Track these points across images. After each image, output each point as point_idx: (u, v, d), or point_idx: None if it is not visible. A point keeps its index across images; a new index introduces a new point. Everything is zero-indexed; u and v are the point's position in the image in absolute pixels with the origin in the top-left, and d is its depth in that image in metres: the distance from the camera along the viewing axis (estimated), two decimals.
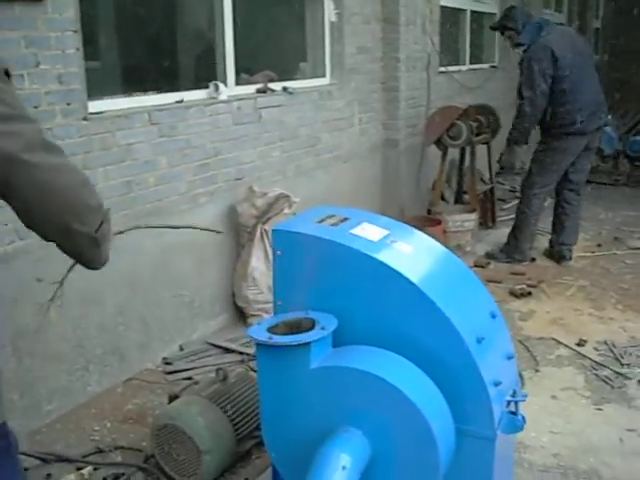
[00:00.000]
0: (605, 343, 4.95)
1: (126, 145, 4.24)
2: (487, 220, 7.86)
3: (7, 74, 1.57)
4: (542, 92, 6.21)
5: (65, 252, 1.73)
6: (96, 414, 4.03)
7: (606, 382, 4.41)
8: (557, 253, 6.75)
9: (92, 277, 4.02)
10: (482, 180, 8.39)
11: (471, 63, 9.71)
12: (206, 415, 3.29)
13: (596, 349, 4.88)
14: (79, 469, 3.44)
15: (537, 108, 6.27)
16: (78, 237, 1.66)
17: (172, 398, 3.62)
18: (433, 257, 2.79)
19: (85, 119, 3.96)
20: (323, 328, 2.43)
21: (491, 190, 7.88)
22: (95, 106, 4.11)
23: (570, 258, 6.70)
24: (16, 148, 1.52)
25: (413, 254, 2.66)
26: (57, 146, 1.66)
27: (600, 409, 4.12)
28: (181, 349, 4.78)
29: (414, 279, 2.45)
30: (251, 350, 4.62)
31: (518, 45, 6.50)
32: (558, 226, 6.76)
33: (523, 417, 2.61)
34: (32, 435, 3.76)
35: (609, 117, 11.15)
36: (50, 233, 1.67)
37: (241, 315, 5.24)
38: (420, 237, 2.87)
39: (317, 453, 2.31)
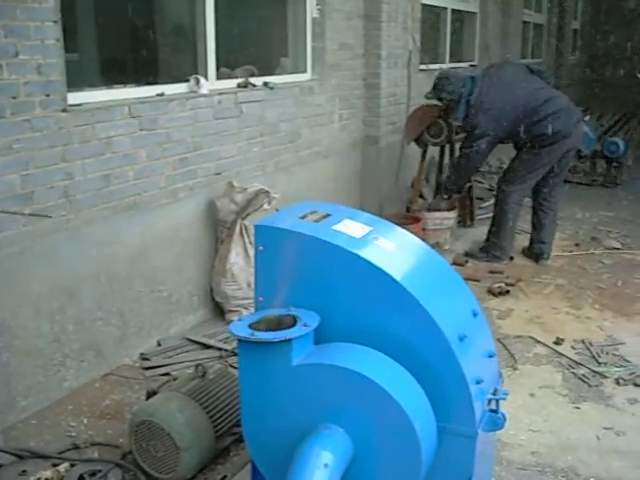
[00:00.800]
0: (582, 342, 4.98)
1: (106, 138, 4.19)
2: (466, 218, 7.88)
3: None
4: (477, 150, 6.40)
5: None
6: (73, 410, 3.98)
7: (583, 380, 4.44)
8: (536, 251, 6.78)
9: (68, 271, 4.02)
10: None
11: (451, 61, 9.73)
12: (185, 411, 3.26)
13: (573, 348, 4.91)
14: (55, 465, 3.40)
15: (474, 164, 6.59)
16: None
17: (150, 394, 3.58)
18: (415, 254, 2.79)
19: (64, 111, 3.91)
20: (305, 325, 2.43)
21: (470, 189, 7.89)
22: (75, 98, 4.06)
23: (548, 257, 6.73)
24: None
25: (395, 251, 2.66)
26: None
27: (578, 407, 4.14)
28: (159, 344, 4.74)
29: (397, 276, 2.45)
30: (230, 346, 4.60)
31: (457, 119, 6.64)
32: (537, 224, 6.79)
33: (504, 415, 2.62)
34: (7, 431, 3.71)
35: (587, 118, 11.27)
36: None
37: (219, 311, 5.20)
38: (402, 234, 2.86)
39: (298, 450, 2.31)
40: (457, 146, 7.35)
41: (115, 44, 5.00)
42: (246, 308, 4.93)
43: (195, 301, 5.10)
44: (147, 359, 4.55)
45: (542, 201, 6.73)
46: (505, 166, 6.88)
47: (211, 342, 4.73)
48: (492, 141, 6.43)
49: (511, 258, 6.79)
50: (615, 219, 8.41)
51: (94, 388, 4.22)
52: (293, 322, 2.46)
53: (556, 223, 6.96)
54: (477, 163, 6.63)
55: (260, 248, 2.64)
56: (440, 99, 6.69)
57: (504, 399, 2.65)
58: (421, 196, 7.70)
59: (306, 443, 2.32)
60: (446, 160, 7.58)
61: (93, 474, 3.34)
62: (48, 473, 3.28)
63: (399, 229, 2.89)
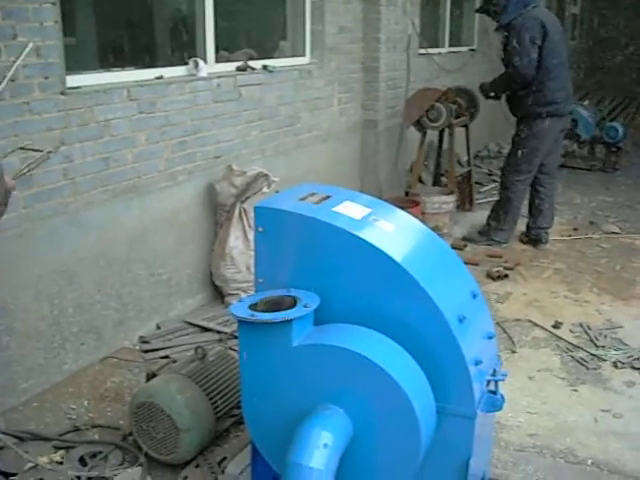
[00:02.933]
0: (580, 325, 4.99)
1: (104, 121, 4.18)
2: (465, 203, 7.87)
3: None
4: (531, 61, 6.23)
5: None
6: (73, 392, 4.00)
7: (581, 364, 4.46)
8: (534, 237, 6.78)
9: (68, 254, 4.02)
10: (460, 163, 8.40)
11: (450, 46, 9.69)
12: (185, 393, 3.27)
13: (572, 331, 4.92)
14: (56, 448, 3.42)
15: (526, 77, 6.29)
16: None
17: (150, 376, 3.59)
18: (415, 236, 2.79)
19: (63, 93, 3.90)
20: (305, 306, 2.43)
21: (469, 173, 7.89)
22: (73, 80, 4.05)
23: (547, 241, 6.74)
24: None
25: (395, 232, 2.66)
26: None
27: (576, 390, 4.16)
28: (158, 327, 4.75)
29: (397, 257, 2.45)
30: (229, 329, 4.61)
31: (500, 28, 6.51)
32: (534, 210, 6.79)
33: (502, 396, 2.63)
34: (8, 413, 3.73)
35: (586, 102, 11.25)
36: None
37: (219, 294, 5.21)
38: (402, 216, 2.87)
39: (298, 431, 2.32)
40: (456, 129, 7.35)
41: (114, 27, 4.98)
42: (245, 291, 4.93)
43: (194, 284, 5.11)
44: (147, 342, 4.56)
45: (539, 187, 6.73)
46: (505, 151, 6.85)
47: (210, 325, 4.74)
48: (537, 55, 6.25)
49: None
50: (614, 204, 8.41)
51: (94, 371, 4.24)
52: (293, 303, 2.46)
53: (555, 208, 6.96)
54: (529, 75, 6.27)
55: (260, 229, 2.64)
56: (488, 11, 6.70)
57: (503, 380, 2.67)
58: (420, 180, 7.70)
59: (306, 423, 2.33)
60: (445, 144, 7.56)
61: (94, 456, 3.37)
62: (45, 459, 3.30)
63: (399, 211, 2.89)
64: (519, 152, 6.55)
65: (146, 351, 4.47)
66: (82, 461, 3.32)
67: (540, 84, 6.30)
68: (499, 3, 6.45)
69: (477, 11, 7.37)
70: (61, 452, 3.39)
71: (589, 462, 3.49)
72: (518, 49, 6.24)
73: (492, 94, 6.82)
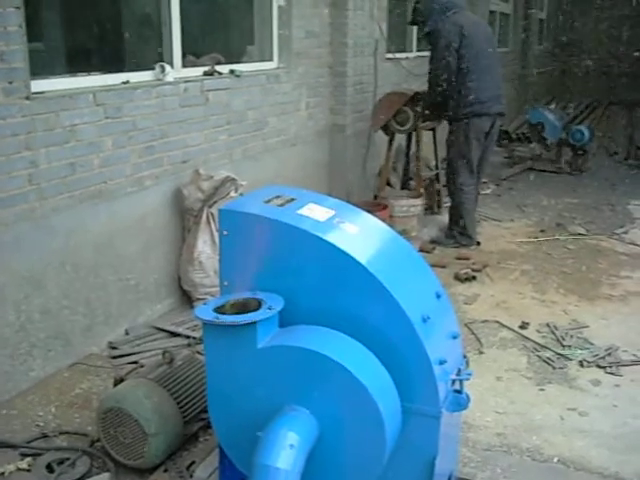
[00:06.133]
0: (547, 325, 5.05)
1: (70, 126, 4.16)
2: (433, 206, 7.93)
3: None
4: (446, 64, 6.47)
5: None
6: (41, 399, 3.96)
7: (548, 363, 4.51)
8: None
9: (34, 260, 3.99)
10: (428, 166, 8.45)
11: (418, 50, 9.74)
12: (152, 398, 3.26)
13: (538, 331, 4.98)
14: (23, 455, 3.39)
15: (440, 79, 6.54)
16: None
17: (117, 381, 3.58)
18: (379, 238, 2.81)
19: (28, 98, 3.87)
20: (270, 308, 2.44)
21: (437, 176, 7.95)
22: (38, 85, 4.02)
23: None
24: None
25: (359, 234, 2.68)
26: None
27: (542, 389, 4.21)
28: (127, 333, 4.73)
29: (360, 259, 2.47)
30: (197, 334, 4.60)
31: (425, 35, 6.81)
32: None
33: (467, 395, 2.66)
34: None
35: (553, 106, 11.38)
36: None
37: (187, 299, 5.20)
38: (366, 218, 2.89)
39: (264, 432, 2.32)
40: (423, 133, 7.40)
41: (80, 32, 4.95)
42: (213, 296, 4.91)
43: (163, 289, 5.10)
44: (115, 348, 4.54)
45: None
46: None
47: (179, 330, 4.73)
48: (454, 58, 6.48)
49: (478, 243, 6.86)
50: (580, 206, 8.53)
51: (62, 377, 4.20)
52: (258, 305, 2.47)
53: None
54: (446, 75, 6.55)
55: (225, 232, 2.65)
56: (417, 22, 7.00)
57: (468, 379, 2.69)
58: (389, 184, 7.74)
59: (272, 424, 2.34)
60: (413, 148, 7.61)
61: (61, 462, 3.35)
62: (11, 467, 3.27)
63: (363, 213, 2.92)
64: (454, 155, 6.74)
65: (115, 357, 4.45)
66: (49, 468, 3.30)
67: (462, 85, 6.51)
68: (423, 14, 6.75)
69: (409, 24, 7.60)
70: (28, 459, 3.36)
71: (555, 460, 3.53)
72: (434, 53, 6.59)
73: (426, 111, 7.09)
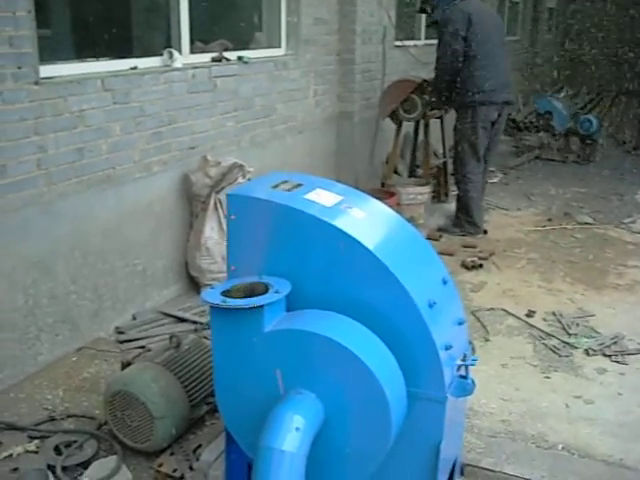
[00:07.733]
0: (553, 314, 5.06)
1: (78, 111, 4.17)
2: (440, 194, 7.93)
3: None
4: (453, 52, 6.45)
5: None
6: (48, 383, 3.99)
7: (554, 351, 4.51)
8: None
9: (42, 245, 4.01)
10: (435, 154, 8.45)
11: (426, 38, 9.72)
12: (159, 381, 3.28)
13: (545, 320, 4.99)
14: (31, 437, 3.42)
15: (447, 67, 6.53)
16: None
17: (125, 365, 3.61)
18: (386, 223, 2.81)
19: (36, 84, 3.88)
20: (277, 292, 2.44)
21: (444, 164, 7.94)
22: (47, 71, 4.03)
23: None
24: None
25: (366, 220, 2.68)
26: None
27: (548, 377, 4.22)
28: (134, 318, 4.75)
29: (367, 244, 2.47)
30: (204, 319, 4.62)
31: (433, 24, 6.79)
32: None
33: (473, 381, 2.66)
34: None
35: (561, 95, 11.34)
36: None
37: (195, 285, 5.22)
38: (373, 204, 2.89)
39: (270, 415, 2.33)
40: (431, 121, 7.40)
41: (88, 17, 4.95)
42: (221, 282, 4.93)
43: (170, 275, 5.12)
44: (122, 333, 4.56)
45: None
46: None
47: (186, 315, 4.75)
48: (461, 46, 6.48)
49: (485, 232, 6.86)
50: (587, 195, 8.52)
51: (70, 361, 4.23)
52: (265, 290, 2.48)
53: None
54: (451, 65, 6.55)
55: (232, 217, 2.65)
56: (425, 10, 7.06)
57: (473, 365, 2.69)
58: (396, 172, 7.73)
59: (278, 408, 2.35)
60: (421, 136, 7.60)
61: (69, 445, 3.37)
62: (19, 449, 3.30)
63: (370, 199, 2.91)
64: (461, 144, 6.72)
65: (122, 342, 4.48)
66: (57, 450, 3.32)
67: (468, 73, 6.50)
68: (431, 1, 6.79)
69: (417, 12, 7.73)
70: (36, 442, 3.38)
71: (560, 447, 3.55)
72: (441, 41, 6.56)
73: (434, 99, 7.05)
